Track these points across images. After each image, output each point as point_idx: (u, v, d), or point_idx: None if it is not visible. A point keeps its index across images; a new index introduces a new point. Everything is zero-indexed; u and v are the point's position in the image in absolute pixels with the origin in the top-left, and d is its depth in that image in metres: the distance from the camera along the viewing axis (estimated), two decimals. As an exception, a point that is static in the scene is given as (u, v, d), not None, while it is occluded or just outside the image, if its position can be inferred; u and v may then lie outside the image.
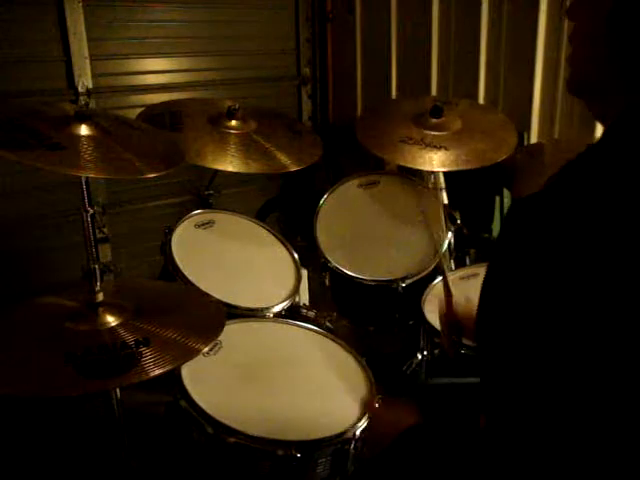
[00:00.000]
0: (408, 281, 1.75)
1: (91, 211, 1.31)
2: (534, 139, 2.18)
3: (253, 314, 1.59)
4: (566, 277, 0.57)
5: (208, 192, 1.94)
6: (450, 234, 1.84)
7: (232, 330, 1.42)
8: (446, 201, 1.97)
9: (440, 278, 1.64)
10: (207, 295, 1.53)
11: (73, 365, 1.09)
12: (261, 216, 2.59)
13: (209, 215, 1.83)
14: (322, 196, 1.95)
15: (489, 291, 0.67)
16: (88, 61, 2.41)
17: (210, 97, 2.55)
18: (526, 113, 2.16)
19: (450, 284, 1.37)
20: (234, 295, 1.58)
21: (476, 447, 0.71)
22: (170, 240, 1.67)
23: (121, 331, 1.21)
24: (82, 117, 1.26)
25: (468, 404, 1.04)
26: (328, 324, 1.64)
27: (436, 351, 1.58)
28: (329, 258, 1.82)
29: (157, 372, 1.11)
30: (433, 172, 1.92)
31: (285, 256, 1.84)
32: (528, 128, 2.17)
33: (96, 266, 1.31)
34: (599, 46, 0.66)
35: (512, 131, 1.89)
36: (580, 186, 0.61)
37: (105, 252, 2.56)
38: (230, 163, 1.75)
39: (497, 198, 2.18)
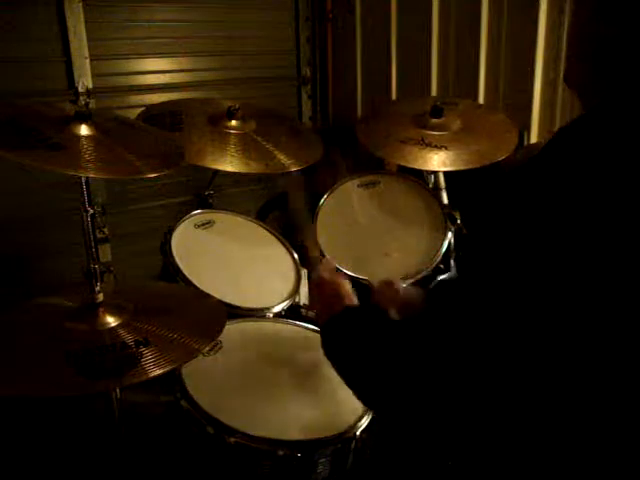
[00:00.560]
0: (408, 281, 1.75)
1: (91, 211, 1.31)
2: (534, 139, 2.17)
3: (253, 314, 1.59)
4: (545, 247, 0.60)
5: (208, 192, 1.93)
6: (450, 234, 1.84)
7: (232, 330, 1.43)
8: (446, 201, 1.97)
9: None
10: (207, 295, 1.53)
11: (73, 365, 1.09)
12: (261, 216, 2.59)
13: (209, 215, 1.83)
14: (322, 196, 1.95)
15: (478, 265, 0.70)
16: (88, 61, 2.41)
17: (210, 97, 2.55)
18: (526, 113, 2.16)
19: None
20: (234, 295, 1.58)
21: None
22: (170, 240, 1.66)
23: (121, 331, 1.21)
24: (82, 117, 1.26)
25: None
26: (328, 324, 1.64)
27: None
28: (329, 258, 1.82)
29: (157, 372, 1.11)
30: (433, 172, 1.92)
31: (285, 256, 1.84)
32: (528, 128, 2.17)
33: (96, 266, 1.31)
34: (585, 44, 0.71)
35: (512, 131, 1.89)
36: (563, 158, 0.64)
37: (105, 252, 2.55)
38: (230, 163, 1.75)
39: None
